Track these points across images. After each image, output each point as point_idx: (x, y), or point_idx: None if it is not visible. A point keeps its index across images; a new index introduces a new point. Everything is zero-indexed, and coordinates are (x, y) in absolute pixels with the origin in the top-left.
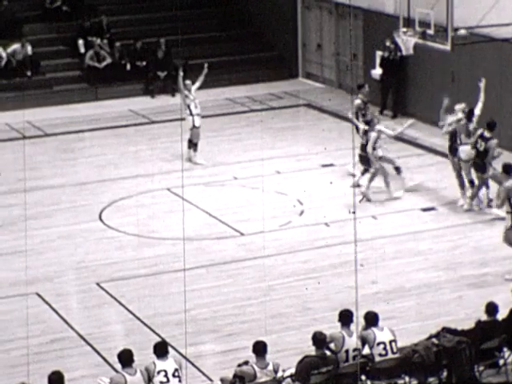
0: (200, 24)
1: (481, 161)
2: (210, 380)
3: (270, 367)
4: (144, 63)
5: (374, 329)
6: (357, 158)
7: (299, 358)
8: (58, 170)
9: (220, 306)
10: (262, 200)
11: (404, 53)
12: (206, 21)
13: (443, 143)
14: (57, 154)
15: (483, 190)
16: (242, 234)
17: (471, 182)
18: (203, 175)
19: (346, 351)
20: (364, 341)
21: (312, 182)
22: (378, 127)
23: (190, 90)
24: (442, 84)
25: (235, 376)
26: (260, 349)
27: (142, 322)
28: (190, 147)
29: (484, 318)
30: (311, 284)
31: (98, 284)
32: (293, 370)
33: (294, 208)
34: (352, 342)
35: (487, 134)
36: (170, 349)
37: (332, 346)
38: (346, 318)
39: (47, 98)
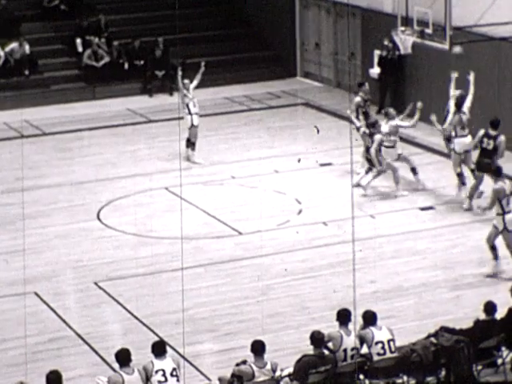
0: (198, 23)
1: (489, 159)
2: (208, 379)
3: (268, 366)
4: (142, 62)
5: (373, 328)
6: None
7: (297, 358)
8: (55, 169)
9: (218, 305)
10: (260, 199)
11: (402, 52)
12: (204, 20)
13: (441, 142)
14: (54, 153)
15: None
16: (240, 233)
17: (460, 175)
18: (201, 174)
19: (344, 350)
20: (362, 340)
21: (310, 181)
22: (394, 122)
23: (188, 89)
24: (440, 83)
25: (233, 375)
26: (258, 348)
27: (140, 321)
28: (188, 146)
29: (482, 317)
30: (309, 283)
31: (95, 283)
32: (291, 370)
33: (293, 207)
34: (350, 341)
35: (493, 132)
36: (167, 348)
37: (330, 345)
38: (344, 317)
39: (45, 97)
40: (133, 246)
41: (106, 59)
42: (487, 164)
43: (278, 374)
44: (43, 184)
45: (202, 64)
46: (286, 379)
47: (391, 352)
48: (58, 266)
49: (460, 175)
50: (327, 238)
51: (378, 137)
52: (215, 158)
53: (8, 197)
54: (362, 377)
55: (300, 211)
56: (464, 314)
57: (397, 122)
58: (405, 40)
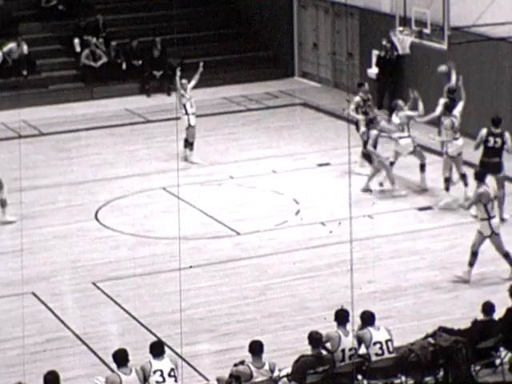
0: (196, 23)
1: (497, 158)
2: (206, 380)
3: (266, 367)
4: (140, 62)
5: (371, 328)
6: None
7: (295, 358)
8: (53, 170)
9: (216, 305)
10: (258, 199)
11: (400, 52)
12: (202, 20)
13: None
14: (52, 153)
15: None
16: (238, 234)
17: (447, 180)
18: (199, 174)
19: (343, 351)
20: (360, 340)
21: (308, 181)
22: (404, 113)
23: (186, 89)
24: (438, 83)
25: (231, 376)
26: (256, 348)
27: (138, 321)
28: (186, 146)
29: (480, 317)
30: (307, 283)
31: (93, 283)
32: (289, 370)
33: (291, 207)
34: (348, 342)
35: (496, 130)
36: (166, 348)
37: (328, 345)
38: (342, 317)
39: (43, 97)
40: (131, 247)
41: (104, 59)
42: (495, 163)
43: (276, 374)
44: (41, 184)
45: (201, 64)
46: (284, 379)
47: (389, 352)
48: (55, 266)
49: (447, 180)
50: (325, 239)
51: (374, 132)
52: (213, 158)
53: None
54: (360, 377)
55: (298, 211)
56: (462, 315)
57: (406, 112)
58: (403, 40)
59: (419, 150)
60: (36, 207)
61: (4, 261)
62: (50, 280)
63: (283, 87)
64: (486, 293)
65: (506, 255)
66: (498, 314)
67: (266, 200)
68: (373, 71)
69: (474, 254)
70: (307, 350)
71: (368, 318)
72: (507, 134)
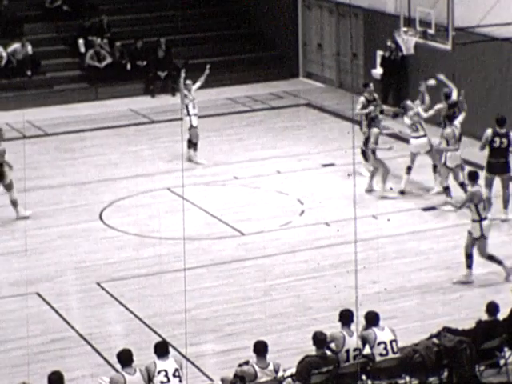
0: (200, 24)
1: (504, 158)
2: (211, 380)
3: (271, 367)
4: (144, 63)
5: (375, 328)
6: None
7: (300, 358)
8: (58, 170)
9: (220, 305)
10: (262, 200)
11: (405, 52)
12: (207, 20)
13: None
14: (57, 153)
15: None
16: (242, 234)
17: (445, 189)
18: (204, 175)
19: (347, 351)
20: (365, 340)
21: (313, 181)
22: (412, 112)
23: (190, 90)
24: (443, 84)
25: (236, 376)
26: (261, 349)
27: (143, 321)
28: (189, 147)
29: (485, 317)
30: (312, 284)
31: (98, 284)
32: (293, 370)
33: (295, 208)
34: (353, 342)
35: (502, 130)
36: (170, 349)
37: (332, 345)
38: (346, 317)
39: (47, 97)
40: (135, 247)
41: (109, 60)
42: (503, 164)
43: (280, 374)
44: (45, 184)
45: (208, 67)
46: (289, 380)
47: (394, 353)
48: (60, 267)
49: (447, 188)
50: (330, 239)
51: (375, 131)
52: (217, 159)
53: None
54: (364, 377)
55: (302, 212)
56: (466, 315)
57: (414, 110)
58: (407, 40)
59: (436, 148)
60: (40, 207)
61: (9, 261)
62: (55, 280)
63: (288, 88)
64: (490, 293)
65: (490, 258)
66: (502, 314)
67: (270, 200)
68: (377, 71)
69: (469, 256)
70: (312, 350)
71: (372, 319)
72: None
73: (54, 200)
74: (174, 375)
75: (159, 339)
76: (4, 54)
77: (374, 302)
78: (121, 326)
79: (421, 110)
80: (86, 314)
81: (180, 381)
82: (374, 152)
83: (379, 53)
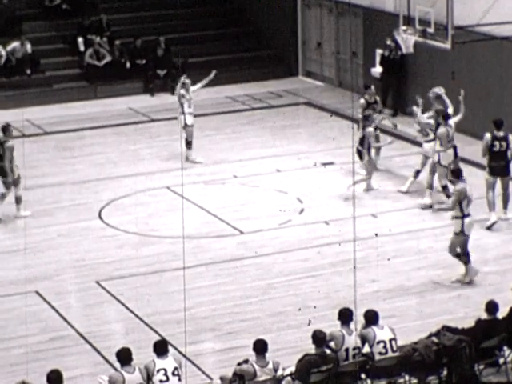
0: (200, 22)
1: (504, 162)
2: (210, 378)
3: (270, 366)
4: (144, 61)
5: (374, 327)
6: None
7: (299, 357)
8: (57, 169)
9: (219, 304)
10: (261, 198)
11: (404, 51)
12: (206, 19)
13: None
14: (56, 152)
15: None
16: (241, 233)
17: (444, 188)
18: (203, 173)
19: (346, 350)
20: (364, 339)
21: (312, 180)
22: (417, 118)
23: (187, 90)
24: (442, 83)
25: (235, 374)
26: (260, 347)
27: (142, 320)
28: (190, 148)
29: (484, 316)
30: (311, 282)
31: (97, 282)
32: (293, 369)
33: (295, 206)
34: (352, 341)
35: (500, 133)
36: (169, 347)
37: (332, 344)
38: (345, 316)
39: (47, 96)
40: (134, 245)
41: (108, 58)
42: (504, 166)
43: (279, 373)
44: (45, 183)
45: (214, 72)
46: (288, 378)
47: (393, 351)
48: (59, 265)
49: (445, 187)
50: (329, 238)
51: (369, 130)
52: (217, 157)
53: (10, 196)
54: (363, 376)
55: (302, 210)
56: (466, 314)
57: (419, 115)
58: (406, 39)
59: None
60: (40, 206)
61: (8, 259)
62: (54, 279)
63: (287, 86)
64: (489, 292)
65: (457, 256)
66: (501, 313)
67: (269, 199)
68: (377, 70)
69: (466, 254)
70: (311, 348)
71: (372, 317)
72: (511, 137)
73: (53, 198)
74: (173, 374)
75: (158, 338)
76: (3, 53)
77: (373, 300)
78: (120, 324)
79: (419, 115)
80: (85, 312)
81: (179, 379)
82: (369, 153)
83: (379, 51)
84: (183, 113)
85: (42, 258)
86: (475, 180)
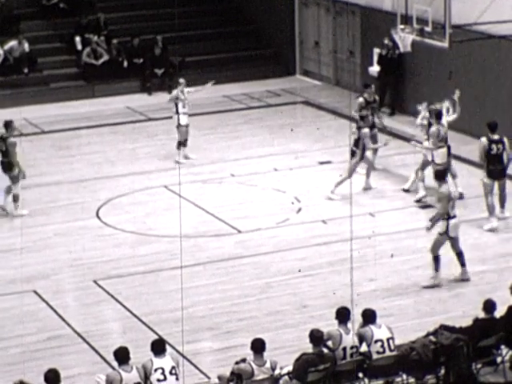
0: (197, 21)
1: (501, 164)
2: (208, 377)
3: (268, 365)
4: (141, 60)
5: (372, 326)
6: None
7: (296, 356)
8: (54, 168)
9: (217, 303)
10: (259, 197)
11: (402, 50)
12: (204, 18)
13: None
14: (53, 151)
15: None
16: (239, 232)
17: None
18: (201, 172)
19: (344, 349)
20: (361, 338)
21: (309, 179)
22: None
23: (182, 90)
24: (440, 81)
25: (233, 373)
26: (258, 346)
27: (139, 319)
28: (185, 146)
29: (482, 315)
30: (308, 281)
31: (94, 281)
32: (290, 368)
33: (293, 205)
34: (349, 340)
35: (496, 136)
36: (167, 346)
37: (329, 343)
38: (343, 315)
39: (44, 95)
40: (132, 244)
41: (106, 57)
42: (501, 170)
43: (277, 372)
44: (42, 182)
45: (211, 82)
46: (286, 377)
47: (390, 350)
48: (57, 264)
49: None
50: (326, 236)
51: (365, 131)
52: (214, 156)
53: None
54: (361, 375)
55: (299, 209)
56: (463, 313)
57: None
58: (404, 38)
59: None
60: (37, 205)
61: (5, 259)
62: (52, 278)
63: (284, 85)
64: (487, 291)
65: (435, 258)
66: (499, 312)
67: (267, 198)
68: (374, 69)
69: (459, 254)
70: (308, 348)
71: (369, 316)
72: (506, 140)
73: (50, 198)
74: (170, 373)
75: (156, 337)
76: (1, 52)
77: (372, 299)
78: (117, 323)
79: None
80: (83, 311)
81: (177, 378)
82: (363, 154)
83: (376, 50)
84: (177, 112)
85: (40, 257)
86: (473, 179)
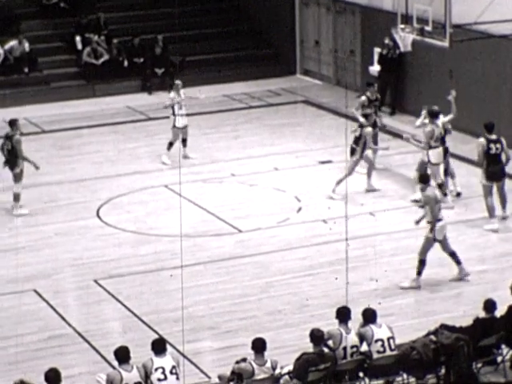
0: (198, 21)
1: (500, 164)
2: (208, 377)
3: (268, 364)
4: (141, 60)
5: (372, 326)
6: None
7: (297, 355)
8: (55, 167)
9: (218, 302)
10: (259, 197)
11: (402, 49)
12: (204, 17)
13: None
14: (54, 150)
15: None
16: (239, 231)
17: (440, 186)
18: (201, 172)
19: (344, 348)
20: (362, 338)
21: (310, 178)
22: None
23: (178, 91)
24: (440, 81)
25: (233, 373)
26: (259, 346)
27: (140, 319)
28: (185, 146)
29: (482, 314)
30: (309, 281)
31: (95, 281)
32: (291, 367)
33: (293, 205)
34: (350, 339)
35: (493, 136)
36: (167, 346)
37: (330, 343)
38: (343, 314)
39: (44, 94)
40: (132, 244)
41: (106, 57)
42: (500, 170)
43: (277, 371)
44: (43, 182)
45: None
46: (286, 377)
47: (391, 350)
48: (57, 264)
49: (441, 185)
50: (327, 236)
51: (368, 130)
52: (215, 156)
53: (8, 194)
54: (361, 375)
55: (300, 209)
56: (464, 312)
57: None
58: (404, 37)
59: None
60: (37, 205)
61: (6, 258)
62: (52, 277)
63: (285, 85)
64: (487, 290)
65: (421, 262)
66: (499, 312)
67: (267, 197)
68: (375, 69)
69: (452, 254)
70: (309, 347)
71: (370, 316)
72: (503, 140)
73: (51, 197)
74: (171, 372)
75: (156, 336)
76: (1, 51)
77: (372, 298)
78: (118, 323)
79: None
80: (83, 311)
81: (177, 378)
82: (362, 152)
83: (376, 50)
84: (174, 114)
85: (40, 256)
86: (472, 179)
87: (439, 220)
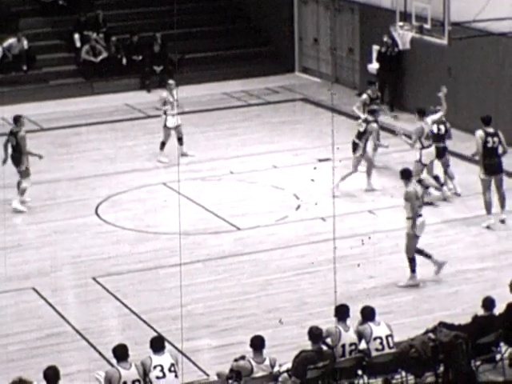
0: (196, 18)
1: (498, 158)
2: (207, 375)
3: (267, 362)
4: (140, 57)
5: (371, 323)
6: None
7: (296, 353)
8: (53, 165)
9: (216, 300)
10: (258, 194)
11: (401, 47)
12: (203, 15)
13: None
14: (53, 148)
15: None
16: (238, 229)
17: (436, 179)
18: (200, 170)
19: (343, 346)
20: (360, 335)
21: (308, 176)
22: (431, 118)
23: (171, 91)
24: (439, 78)
25: (232, 370)
26: (258, 343)
27: (139, 316)
28: (181, 144)
29: (481, 312)
30: (308, 279)
31: (94, 279)
32: (289, 365)
33: (291, 202)
34: (348, 337)
35: (491, 130)
36: (166, 343)
37: (328, 340)
38: (342, 312)
39: (43, 92)
40: (131, 242)
41: (104, 54)
42: (497, 163)
43: (276, 369)
44: (41, 179)
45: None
46: (285, 375)
47: (389, 347)
48: (56, 262)
49: (436, 178)
50: (325, 234)
51: (374, 126)
52: (213, 154)
53: (6, 192)
54: (360, 372)
55: (298, 207)
56: (462, 310)
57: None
58: (403, 35)
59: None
60: (36, 202)
61: (4, 256)
62: (51, 275)
63: (284, 82)
64: (486, 288)
65: (411, 260)
66: (498, 310)
67: (266, 195)
68: (373, 66)
69: (428, 256)
70: (308, 345)
71: (368, 314)
72: (500, 133)
73: (49, 195)
74: (169, 370)
75: (155, 334)
76: (0, 49)
77: (371, 296)
78: (116, 320)
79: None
80: (82, 308)
81: (176, 376)
82: (365, 148)
83: (375, 48)
84: (165, 113)
85: (39, 254)
86: (471, 177)
87: (419, 216)
